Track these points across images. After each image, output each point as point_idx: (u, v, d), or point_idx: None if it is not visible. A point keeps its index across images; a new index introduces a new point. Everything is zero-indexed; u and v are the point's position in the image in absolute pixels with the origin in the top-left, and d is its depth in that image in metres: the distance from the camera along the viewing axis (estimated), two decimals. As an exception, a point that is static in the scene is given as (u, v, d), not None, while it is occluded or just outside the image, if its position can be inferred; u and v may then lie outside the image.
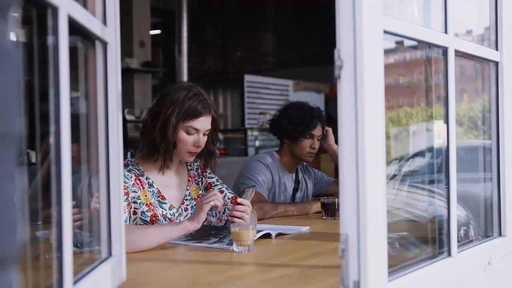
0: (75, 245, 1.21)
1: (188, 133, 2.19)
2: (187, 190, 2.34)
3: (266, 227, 2.19)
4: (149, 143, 2.20)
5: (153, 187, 2.22)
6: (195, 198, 2.35)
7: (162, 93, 2.27)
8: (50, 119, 1.01)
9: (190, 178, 2.37)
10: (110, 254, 1.37)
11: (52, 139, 1.01)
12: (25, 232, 0.60)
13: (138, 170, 2.22)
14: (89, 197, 1.48)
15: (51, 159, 1.01)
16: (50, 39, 1.01)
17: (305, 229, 2.36)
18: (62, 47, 1.00)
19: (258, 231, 2.03)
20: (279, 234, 2.18)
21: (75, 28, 1.11)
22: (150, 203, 2.18)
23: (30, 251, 1.26)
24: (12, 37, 0.56)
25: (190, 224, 1.97)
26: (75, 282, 1.08)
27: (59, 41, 1.00)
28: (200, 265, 1.71)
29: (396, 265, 1.34)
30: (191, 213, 2.28)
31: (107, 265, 1.32)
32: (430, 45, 1.57)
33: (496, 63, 1.83)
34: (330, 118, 5.93)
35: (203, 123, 2.20)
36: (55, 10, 0.99)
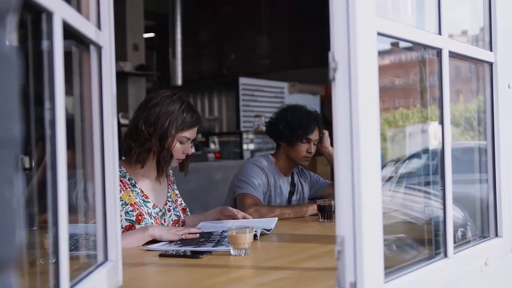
0: (70, 249, 1.21)
1: (181, 142, 2.31)
2: (168, 192, 2.46)
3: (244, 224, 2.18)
4: (145, 152, 2.26)
5: (136, 187, 2.30)
6: (174, 201, 2.47)
7: (151, 103, 2.29)
8: (45, 123, 1.01)
9: (169, 182, 2.49)
10: (106, 258, 1.37)
11: (47, 144, 1.00)
12: (23, 236, 0.61)
13: (120, 172, 2.26)
14: (84, 202, 1.48)
15: (45, 164, 1.01)
16: (44, 44, 1.00)
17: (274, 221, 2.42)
18: (57, 52, 1.00)
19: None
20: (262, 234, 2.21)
21: (69, 32, 1.10)
22: (134, 203, 2.25)
23: (26, 256, 1.26)
24: (11, 42, 0.56)
25: (152, 230, 2.09)
26: (71, 287, 1.08)
27: (54, 45, 1.00)
28: (198, 269, 1.71)
29: (392, 266, 1.34)
30: (174, 214, 2.42)
31: (104, 269, 1.31)
32: (424, 47, 1.58)
33: (491, 64, 1.84)
34: (325, 120, 5.92)
35: (194, 132, 2.35)
36: (49, 15, 0.99)
